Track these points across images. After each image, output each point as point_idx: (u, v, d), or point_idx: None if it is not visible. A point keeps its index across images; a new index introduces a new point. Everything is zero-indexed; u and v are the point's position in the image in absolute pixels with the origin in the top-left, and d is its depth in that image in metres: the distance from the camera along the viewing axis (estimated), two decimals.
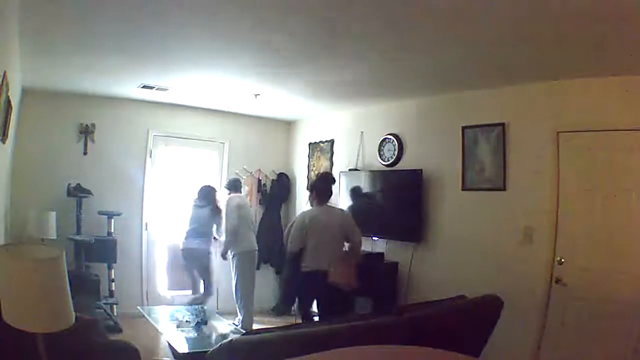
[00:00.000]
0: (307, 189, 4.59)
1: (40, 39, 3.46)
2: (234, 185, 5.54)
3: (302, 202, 6.12)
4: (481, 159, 4.27)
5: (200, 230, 5.31)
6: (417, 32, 3.03)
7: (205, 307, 4.73)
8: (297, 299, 4.54)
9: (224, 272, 6.11)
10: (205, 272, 5.37)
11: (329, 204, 4.30)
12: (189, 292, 5.49)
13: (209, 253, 5.38)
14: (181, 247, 5.34)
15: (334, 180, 4.46)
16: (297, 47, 3.48)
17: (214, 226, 5.44)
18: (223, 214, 5.36)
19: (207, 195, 5.44)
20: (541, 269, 3.75)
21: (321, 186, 4.33)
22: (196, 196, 5.46)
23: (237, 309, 5.33)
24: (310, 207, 4.39)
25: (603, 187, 3.55)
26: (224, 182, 5.81)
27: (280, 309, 4.92)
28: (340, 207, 4.62)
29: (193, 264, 5.36)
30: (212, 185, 5.63)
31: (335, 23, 2.94)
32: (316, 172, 6.20)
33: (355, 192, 5.36)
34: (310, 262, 4.08)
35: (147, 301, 5.70)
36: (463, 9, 2.62)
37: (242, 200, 5.51)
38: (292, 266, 4.19)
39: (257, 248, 5.43)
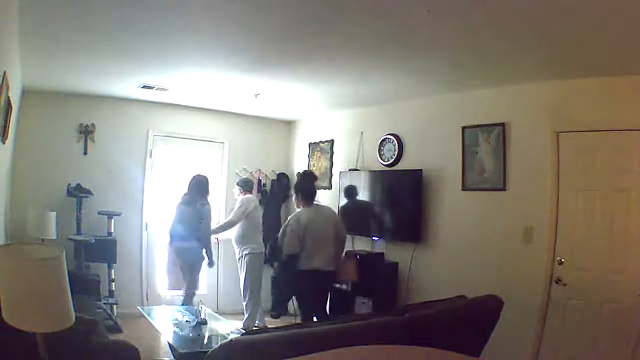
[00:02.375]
0: (293, 191, 4.56)
1: (40, 39, 3.45)
2: (250, 186, 5.57)
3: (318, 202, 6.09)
4: (481, 159, 4.27)
5: (189, 233, 4.99)
6: (416, 31, 3.03)
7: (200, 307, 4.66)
8: (293, 299, 4.62)
9: (225, 272, 6.13)
10: (193, 275, 5.17)
11: (315, 202, 4.37)
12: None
13: (201, 257, 5.12)
14: (172, 246, 5.11)
15: (316, 178, 4.53)
16: (297, 47, 3.48)
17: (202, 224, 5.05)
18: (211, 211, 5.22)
19: (199, 186, 5.09)
20: (541, 269, 3.75)
21: (306, 187, 4.38)
22: (186, 190, 5.11)
23: (244, 308, 5.35)
24: (300, 209, 4.36)
25: (603, 187, 3.55)
26: (237, 181, 5.71)
27: (277, 310, 4.85)
28: (325, 204, 4.63)
29: (185, 263, 5.14)
30: (205, 175, 5.28)
31: (335, 23, 2.94)
32: (315, 172, 6.20)
33: (353, 191, 5.37)
34: (309, 262, 4.12)
35: (147, 301, 5.70)
36: (463, 9, 2.62)
37: (257, 203, 5.57)
38: (289, 267, 4.22)
39: (263, 250, 5.45)
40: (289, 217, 4.43)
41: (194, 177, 5.20)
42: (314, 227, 4.16)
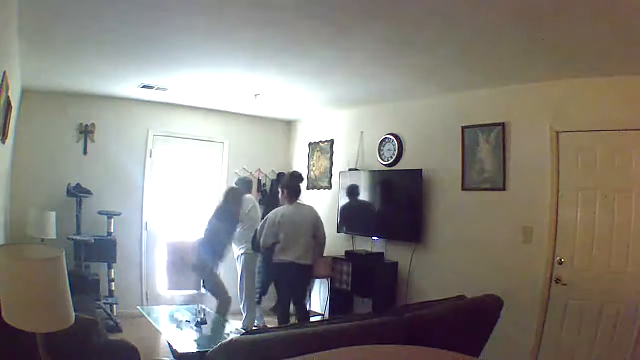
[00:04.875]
0: (279, 189, 4.94)
1: (40, 39, 3.46)
2: (249, 186, 5.60)
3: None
4: (481, 159, 4.27)
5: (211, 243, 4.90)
6: (416, 31, 3.03)
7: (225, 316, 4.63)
8: (271, 288, 4.94)
9: (225, 272, 6.12)
10: (214, 287, 4.98)
11: (299, 201, 4.70)
12: (190, 292, 5.45)
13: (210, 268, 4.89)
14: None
15: (302, 179, 4.85)
16: (297, 47, 3.48)
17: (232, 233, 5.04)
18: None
19: (236, 198, 5.07)
20: (541, 269, 3.76)
21: (291, 186, 4.73)
22: (229, 198, 5.01)
23: (242, 309, 5.34)
24: (283, 205, 4.71)
25: (603, 187, 3.55)
26: (234, 181, 5.75)
27: (259, 300, 5.18)
28: (309, 204, 4.89)
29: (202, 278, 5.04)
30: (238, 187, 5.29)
31: (336, 23, 2.94)
32: (315, 172, 6.22)
33: (354, 191, 5.38)
34: (283, 254, 4.51)
35: (147, 301, 5.71)
36: (463, 9, 2.62)
37: (256, 203, 5.60)
38: (267, 259, 4.71)
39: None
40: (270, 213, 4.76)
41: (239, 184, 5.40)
42: (288, 222, 4.52)
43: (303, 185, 4.85)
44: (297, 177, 4.80)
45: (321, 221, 4.71)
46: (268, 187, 6.57)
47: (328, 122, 6.13)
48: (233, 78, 4.51)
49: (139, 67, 4.24)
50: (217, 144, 6.38)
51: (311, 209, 4.76)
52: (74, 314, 1.74)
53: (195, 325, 3.94)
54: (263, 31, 3.15)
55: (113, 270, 5.32)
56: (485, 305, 2.71)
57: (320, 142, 6.21)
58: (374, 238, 5.14)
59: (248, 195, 5.48)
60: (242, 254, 5.31)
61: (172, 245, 6.01)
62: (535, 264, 3.79)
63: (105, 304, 5.11)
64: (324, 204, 5.78)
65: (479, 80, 4.08)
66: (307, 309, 4.86)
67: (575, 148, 3.70)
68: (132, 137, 5.76)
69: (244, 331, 4.08)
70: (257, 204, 5.63)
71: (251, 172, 6.44)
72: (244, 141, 6.48)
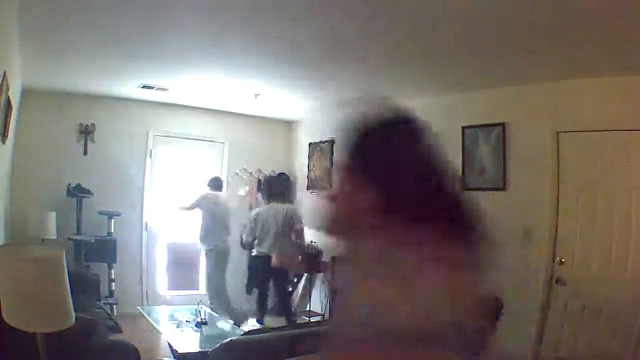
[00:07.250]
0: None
1: (40, 39, 3.46)
2: (218, 185, 5.56)
3: (302, 202, 6.11)
4: (481, 159, 4.27)
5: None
6: (416, 32, 3.03)
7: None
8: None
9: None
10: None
11: (276, 201, 5.20)
12: (190, 291, 5.46)
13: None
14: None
15: (287, 179, 5.58)
16: (297, 48, 3.48)
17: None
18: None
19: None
20: (541, 269, 3.75)
21: (273, 187, 5.44)
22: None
23: (216, 309, 5.03)
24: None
25: (603, 187, 3.55)
26: (207, 183, 5.69)
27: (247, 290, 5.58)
28: (287, 204, 5.30)
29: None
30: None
31: (336, 24, 2.94)
32: (315, 172, 6.22)
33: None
34: (258, 247, 5.11)
35: (147, 301, 5.69)
36: (463, 9, 2.62)
37: (218, 199, 5.49)
38: (249, 253, 5.35)
39: (228, 247, 5.41)
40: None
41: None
42: (262, 219, 5.08)
43: (285, 187, 5.55)
44: (276, 179, 5.66)
45: (298, 217, 5.14)
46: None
47: (328, 122, 6.12)
48: (233, 78, 4.50)
49: (139, 67, 4.24)
50: (217, 144, 6.38)
51: (285, 207, 5.16)
52: (74, 314, 1.75)
53: (195, 325, 3.94)
54: (263, 32, 3.16)
55: (113, 270, 5.31)
56: (485, 306, 2.70)
57: (320, 142, 6.20)
58: None
59: (220, 193, 5.49)
60: (208, 250, 5.32)
61: (172, 245, 6.02)
62: (535, 264, 3.79)
63: (105, 304, 5.10)
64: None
65: (479, 80, 4.08)
66: (287, 302, 5.20)
67: (576, 148, 3.70)
68: (132, 137, 5.76)
69: (243, 331, 4.08)
70: (225, 201, 5.59)
71: (251, 172, 6.43)
72: (244, 141, 6.47)
